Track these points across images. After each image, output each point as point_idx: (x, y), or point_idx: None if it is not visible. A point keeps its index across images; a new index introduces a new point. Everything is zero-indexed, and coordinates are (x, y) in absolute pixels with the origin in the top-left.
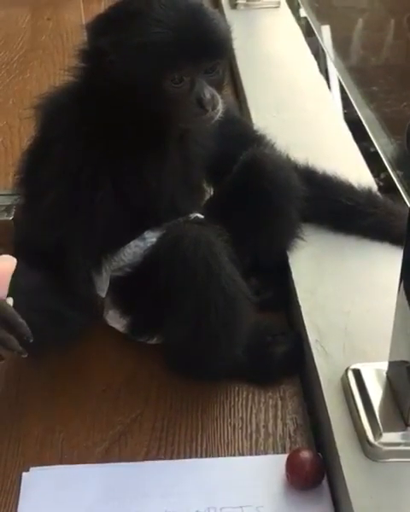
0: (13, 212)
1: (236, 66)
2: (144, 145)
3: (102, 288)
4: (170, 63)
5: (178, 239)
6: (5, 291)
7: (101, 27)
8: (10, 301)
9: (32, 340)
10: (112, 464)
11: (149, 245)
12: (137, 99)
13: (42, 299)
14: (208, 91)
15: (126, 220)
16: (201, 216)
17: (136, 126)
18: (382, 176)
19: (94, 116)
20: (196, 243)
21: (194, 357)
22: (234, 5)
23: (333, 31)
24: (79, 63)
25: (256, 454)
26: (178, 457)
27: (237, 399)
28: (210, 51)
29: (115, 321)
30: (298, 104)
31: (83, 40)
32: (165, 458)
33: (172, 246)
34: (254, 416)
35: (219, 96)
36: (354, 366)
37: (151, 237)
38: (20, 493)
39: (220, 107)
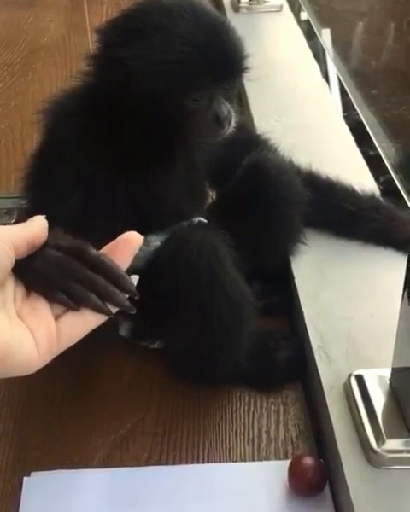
0: (15, 216)
1: None
2: (152, 150)
3: None
4: (194, 82)
5: (183, 243)
6: (126, 263)
7: (119, 37)
8: (135, 279)
9: (137, 297)
10: (113, 469)
11: (152, 249)
12: (152, 110)
13: None
14: (225, 108)
15: (130, 224)
16: (204, 220)
17: (144, 133)
18: (381, 179)
19: (102, 121)
20: (200, 248)
21: (196, 361)
22: (236, 9)
23: (334, 34)
24: (90, 68)
25: (258, 460)
26: (180, 463)
27: (239, 405)
28: (233, 72)
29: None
30: (301, 108)
31: (95, 45)
32: (166, 464)
33: (176, 250)
34: (256, 421)
35: (233, 112)
36: (356, 372)
37: (155, 241)
38: (21, 498)
39: (234, 122)
